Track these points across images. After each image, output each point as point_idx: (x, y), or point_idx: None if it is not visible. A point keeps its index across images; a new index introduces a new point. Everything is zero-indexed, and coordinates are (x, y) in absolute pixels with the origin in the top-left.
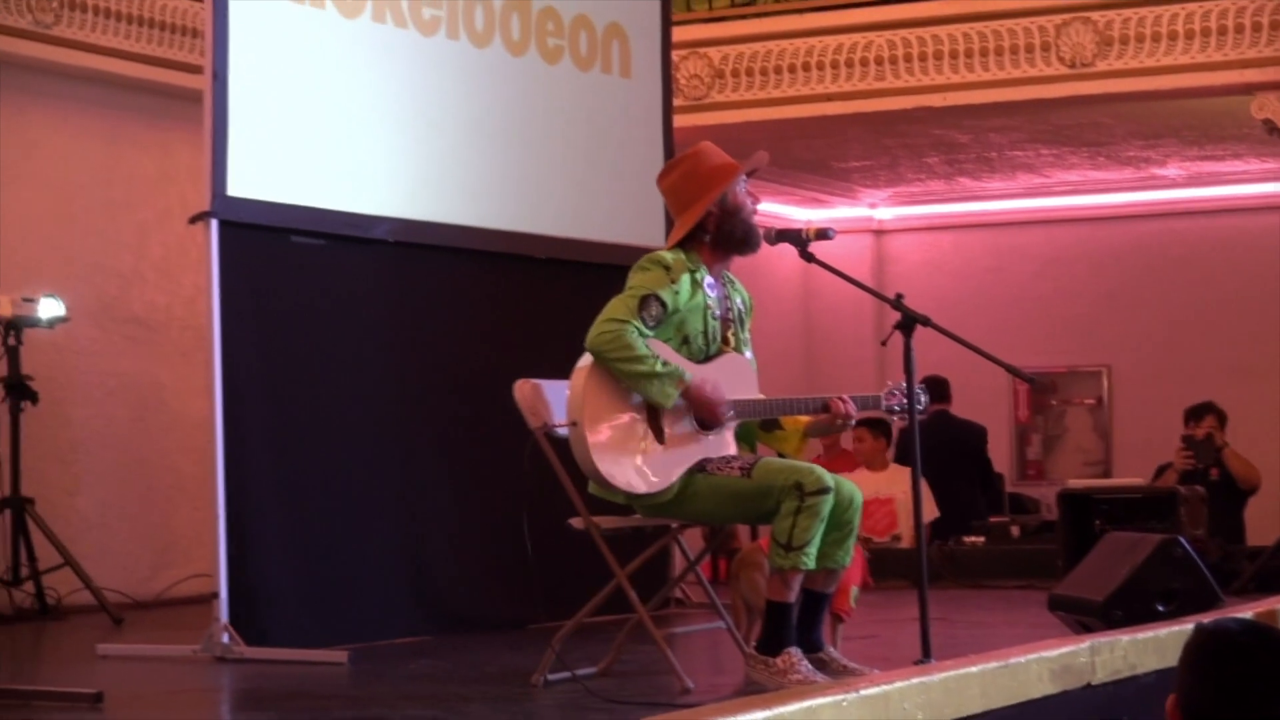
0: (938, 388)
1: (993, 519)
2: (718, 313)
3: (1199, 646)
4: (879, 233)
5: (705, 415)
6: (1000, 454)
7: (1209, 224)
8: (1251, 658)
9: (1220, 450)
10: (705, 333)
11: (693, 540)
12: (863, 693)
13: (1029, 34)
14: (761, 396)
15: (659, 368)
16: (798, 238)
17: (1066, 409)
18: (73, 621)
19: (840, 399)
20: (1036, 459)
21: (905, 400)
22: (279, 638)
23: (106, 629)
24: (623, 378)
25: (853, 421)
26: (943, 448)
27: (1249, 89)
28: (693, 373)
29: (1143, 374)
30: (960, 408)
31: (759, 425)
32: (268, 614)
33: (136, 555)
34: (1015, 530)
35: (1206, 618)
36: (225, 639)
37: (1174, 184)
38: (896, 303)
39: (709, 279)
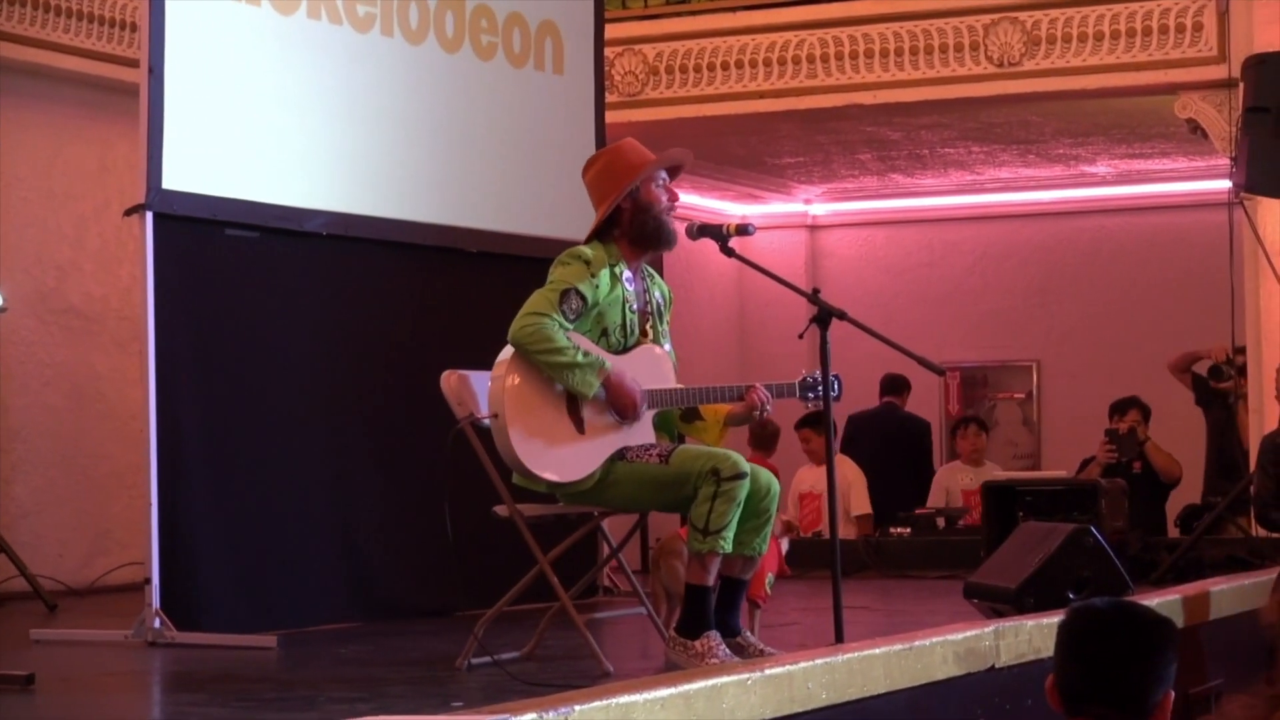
0: (890, 382)
1: (918, 510)
2: (636, 306)
3: (1069, 625)
4: (813, 228)
5: (622, 406)
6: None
7: (1138, 221)
8: (1115, 633)
9: (1143, 444)
10: (624, 325)
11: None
12: (768, 672)
13: (958, 33)
14: (679, 386)
15: (580, 358)
16: (718, 233)
17: (997, 403)
18: (7, 608)
19: (756, 388)
20: None
21: (820, 389)
22: (210, 623)
23: (41, 615)
24: (545, 369)
25: (769, 409)
26: (888, 438)
27: (1173, 89)
28: (612, 364)
29: (1071, 368)
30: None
31: (680, 414)
32: (199, 600)
33: (72, 543)
34: (941, 522)
35: None
36: (157, 624)
37: (1103, 181)
38: (813, 297)
39: (628, 273)
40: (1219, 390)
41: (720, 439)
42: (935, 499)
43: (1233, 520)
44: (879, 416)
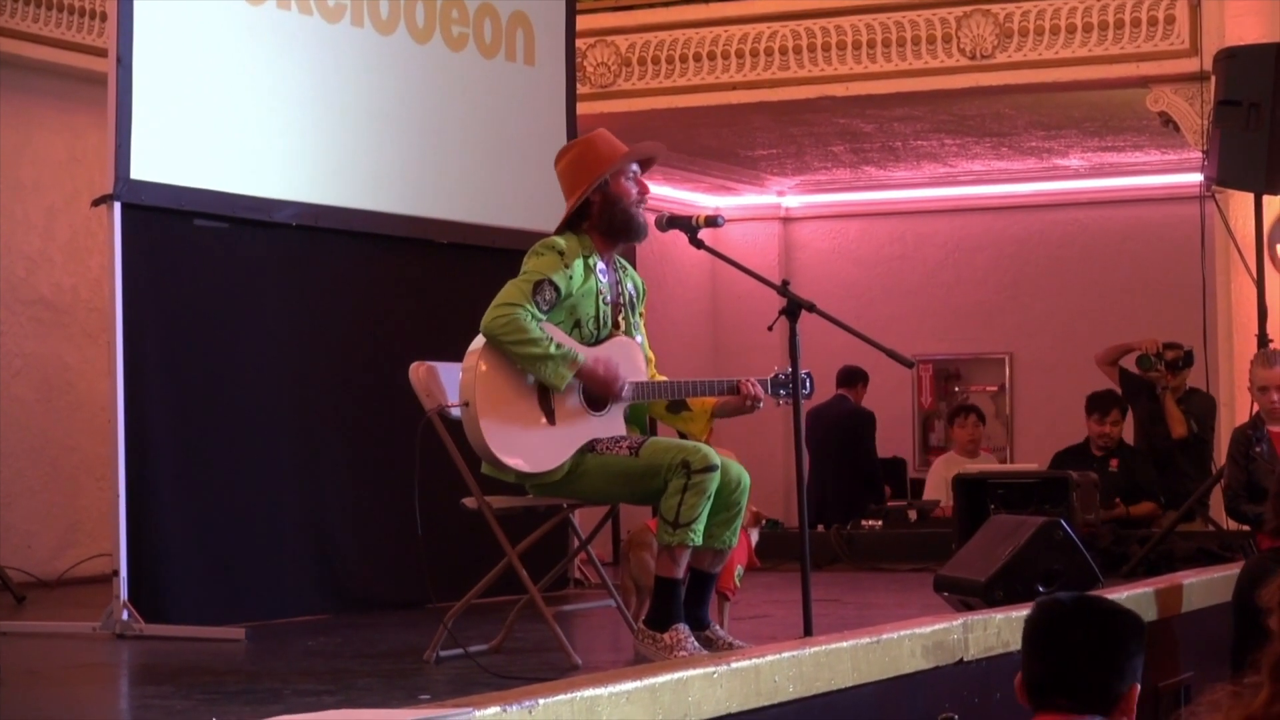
0: (845, 375)
1: (891, 504)
2: (609, 297)
3: (1033, 621)
4: (786, 220)
5: (601, 393)
6: (904, 439)
7: (1110, 214)
8: (1074, 626)
9: None
10: (597, 317)
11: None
12: (734, 665)
13: (930, 25)
14: (666, 379)
15: (552, 349)
16: (687, 224)
17: (969, 395)
18: None
19: (750, 381)
20: (939, 444)
21: (790, 384)
22: (178, 615)
23: (9, 607)
24: (517, 360)
25: (760, 404)
26: (831, 431)
27: (1145, 82)
28: (585, 354)
29: (1044, 361)
30: (865, 394)
31: (665, 407)
32: (168, 591)
33: (41, 535)
34: (913, 514)
35: None
36: (125, 616)
37: (1076, 174)
38: (782, 288)
39: (601, 264)
40: (1145, 382)
41: (706, 431)
42: (932, 491)
43: (1201, 513)
44: (827, 409)
